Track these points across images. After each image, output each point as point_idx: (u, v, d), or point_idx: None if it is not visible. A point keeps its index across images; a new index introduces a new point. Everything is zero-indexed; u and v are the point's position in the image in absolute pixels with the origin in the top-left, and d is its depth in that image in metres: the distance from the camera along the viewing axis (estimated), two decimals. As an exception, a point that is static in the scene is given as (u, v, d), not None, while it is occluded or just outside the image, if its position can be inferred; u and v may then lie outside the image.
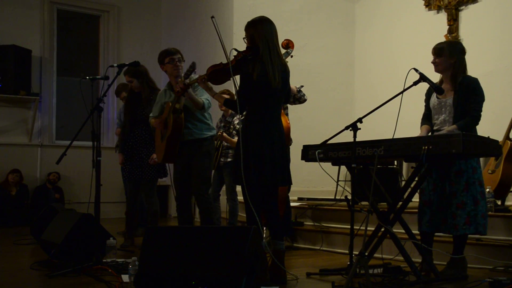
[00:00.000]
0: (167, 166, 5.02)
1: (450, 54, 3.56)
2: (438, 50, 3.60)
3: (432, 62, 3.64)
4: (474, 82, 3.53)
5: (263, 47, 3.27)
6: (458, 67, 3.56)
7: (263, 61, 3.25)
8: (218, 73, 3.47)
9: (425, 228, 3.58)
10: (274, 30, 3.33)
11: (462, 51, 3.62)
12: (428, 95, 3.79)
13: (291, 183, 3.54)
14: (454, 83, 3.56)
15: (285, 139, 3.53)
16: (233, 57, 3.45)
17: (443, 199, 3.52)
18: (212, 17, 3.53)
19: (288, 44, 4.25)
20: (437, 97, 3.67)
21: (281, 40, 4.24)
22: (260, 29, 3.30)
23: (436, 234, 3.65)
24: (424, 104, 3.82)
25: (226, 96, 3.86)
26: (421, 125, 3.81)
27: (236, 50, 3.44)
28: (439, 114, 3.65)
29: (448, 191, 3.49)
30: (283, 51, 4.14)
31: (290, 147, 4.91)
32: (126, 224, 5.08)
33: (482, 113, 3.53)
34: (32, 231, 4.99)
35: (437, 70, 3.65)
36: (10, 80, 7.56)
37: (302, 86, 4.63)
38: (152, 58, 8.78)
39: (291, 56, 4.19)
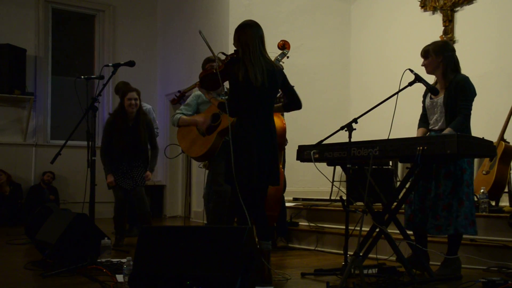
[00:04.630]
0: None
1: (435, 53, 3.60)
2: (424, 52, 3.66)
3: (422, 65, 3.67)
4: (463, 80, 3.55)
5: (244, 50, 3.33)
6: (447, 65, 3.58)
7: (245, 63, 3.30)
8: (209, 78, 3.49)
9: (405, 226, 3.60)
10: (257, 33, 3.35)
11: (448, 49, 3.64)
12: (424, 96, 3.80)
13: (278, 184, 3.52)
14: (446, 81, 3.58)
15: (280, 139, 3.52)
16: (222, 61, 3.48)
17: (426, 200, 3.54)
18: (200, 31, 3.54)
19: (284, 45, 4.24)
20: (430, 97, 3.70)
21: (277, 40, 4.24)
22: (242, 34, 3.35)
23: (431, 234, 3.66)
24: (422, 105, 3.84)
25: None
26: (418, 127, 3.82)
27: (223, 54, 3.47)
28: (432, 114, 3.68)
29: (434, 192, 3.50)
30: (278, 52, 4.13)
31: (286, 147, 4.91)
32: (115, 228, 5.16)
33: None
34: (26, 231, 4.97)
35: (428, 72, 3.68)
36: (5, 80, 7.55)
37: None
38: (148, 57, 8.88)
39: (287, 57, 4.18)
